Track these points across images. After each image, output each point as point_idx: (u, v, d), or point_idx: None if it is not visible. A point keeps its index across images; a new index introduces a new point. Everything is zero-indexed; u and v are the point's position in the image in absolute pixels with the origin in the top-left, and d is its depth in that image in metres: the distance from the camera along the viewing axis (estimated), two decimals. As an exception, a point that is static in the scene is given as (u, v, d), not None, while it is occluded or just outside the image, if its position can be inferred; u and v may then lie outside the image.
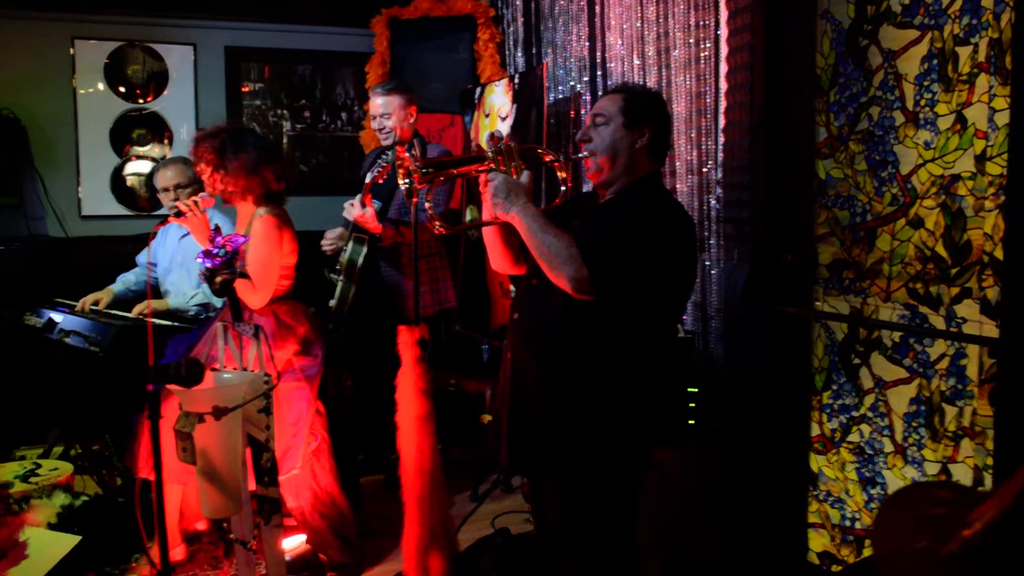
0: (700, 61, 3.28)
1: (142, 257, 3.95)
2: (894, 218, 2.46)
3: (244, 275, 2.81)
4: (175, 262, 3.74)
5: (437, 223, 2.11)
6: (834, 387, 2.70)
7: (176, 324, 3.53)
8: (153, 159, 5.13)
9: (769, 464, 2.86)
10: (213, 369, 2.38)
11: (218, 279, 2.54)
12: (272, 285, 2.91)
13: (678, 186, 3.43)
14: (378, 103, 3.62)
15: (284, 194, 3.05)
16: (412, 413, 2.66)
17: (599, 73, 4.03)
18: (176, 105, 5.20)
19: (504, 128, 4.35)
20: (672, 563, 2.84)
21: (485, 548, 3.07)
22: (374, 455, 4.00)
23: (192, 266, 3.61)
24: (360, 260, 3.49)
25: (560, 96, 4.42)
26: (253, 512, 2.45)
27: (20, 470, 3.18)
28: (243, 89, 5.40)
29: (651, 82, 3.55)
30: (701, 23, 3.26)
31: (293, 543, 3.05)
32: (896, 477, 2.51)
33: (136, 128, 5.13)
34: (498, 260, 2.26)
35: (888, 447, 2.52)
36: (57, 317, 3.55)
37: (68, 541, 2.61)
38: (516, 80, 4.35)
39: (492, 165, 2.04)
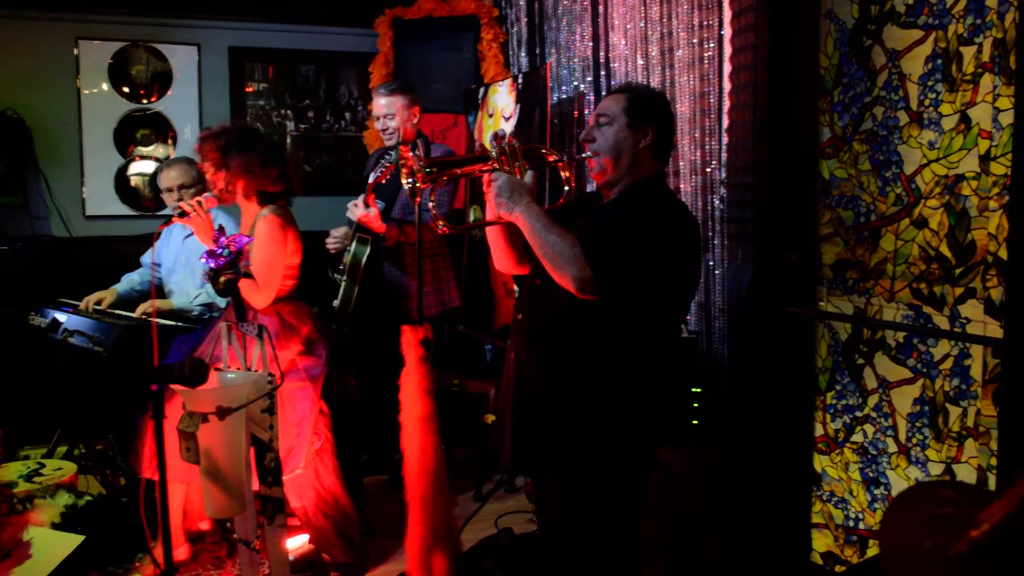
0: (704, 61, 3.28)
1: (146, 257, 3.95)
2: (898, 218, 2.46)
3: (248, 275, 2.81)
4: (179, 262, 3.75)
5: (441, 223, 2.11)
6: (838, 387, 2.70)
7: (180, 324, 3.54)
8: (157, 159, 5.14)
9: (773, 464, 2.86)
10: (217, 369, 2.38)
11: (222, 279, 2.54)
12: (276, 285, 2.92)
13: (682, 186, 3.42)
14: (381, 103, 3.62)
15: (289, 195, 3.05)
16: (416, 413, 2.65)
17: (603, 73, 4.03)
18: (180, 105, 5.21)
19: (508, 128, 4.35)
20: (675, 563, 2.83)
21: (488, 548, 3.07)
22: (378, 455, 4.00)
23: (196, 266, 3.62)
24: (363, 260, 3.49)
25: (564, 96, 4.42)
26: (257, 512, 2.44)
27: (24, 470, 3.19)
28: (247, 89, 5.41)
29: (655, 82, 3.55)
30: (705, 23, 3.26)
31: (296, 543, 3.05)
32: (900, 477, 2.50)
33: (140, 128, 5.14)
34: (502, 260, 2.26)
35: (892, 447, 2.51)
36: (61, 317, 3.56)
37: (72, 541, 2.62)
38: (520, 80, 4.35)
39: (496, 165, 2.04)
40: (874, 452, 2.58)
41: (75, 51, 4.95)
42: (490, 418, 4.20)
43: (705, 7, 3.24)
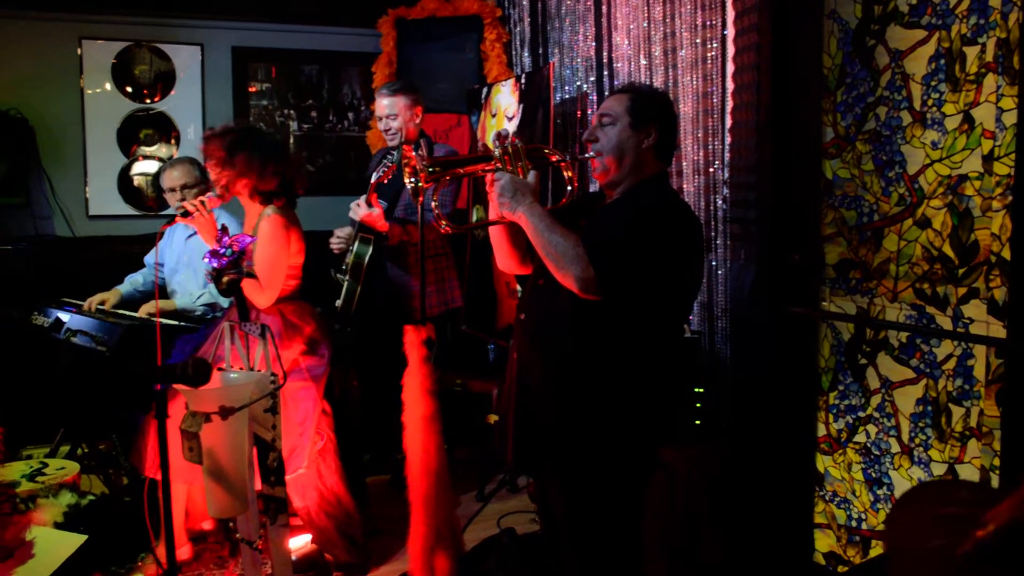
0: (707, 61, 3.28)
1: (149, 257, 3.95)
2: (901, 218, 2.45)
3: (251, 275, 2.81)
4: (182, 262, 3.75)
5: (443, 222, 2.11)
6: (841, 387, 2.70)
7: (183, 324, 3.54)
8: (160, 159, 5.14)
9: (775, 464, 2.86)
10: (220, 369, 2.38)
11: (225, 279, 2.54)
12: (279, 285, 2.92)
13: (685, 186, 3.42)
14: (384, 103, 3.62)
15: (293, 195, 3.05)
16: (418, 413, 2.66)
17: (606, 73, 4.03)
18: (183, 105, 5.21)
19: (511, 128, 4.35)
20: (678, 563, 2.83)
21: (491, 548, 3.07)
22: (380, 455, 4.00)
23: (199, 266, 3.62)
24: (366, 260, 3.49)
25: (567, 96, 4.42)
26: (259, 512, 2.45)
27: (27, 469, 3.19)
28: (250, 89, 5.41)
29: (658, 82, 3.55)
30: (708, 23, 3.26)
31: (299, 543, 3.05)
32: (903, 478, 2.50)
33: (143, 128, 5.15)
34: (504, 260, 2.26)
35: (895, 447, 2.51)
36: (64, 317, 3.56)
37: (74, 540, 2.62)
38: (523, 80, 4.35)
39: (499, 165, 2.04)
40: (877, 452, 2.57)
41: (78, 51, 4.95)
42: (493, 418, 4.20)
43: (708, 7, 3.24)
